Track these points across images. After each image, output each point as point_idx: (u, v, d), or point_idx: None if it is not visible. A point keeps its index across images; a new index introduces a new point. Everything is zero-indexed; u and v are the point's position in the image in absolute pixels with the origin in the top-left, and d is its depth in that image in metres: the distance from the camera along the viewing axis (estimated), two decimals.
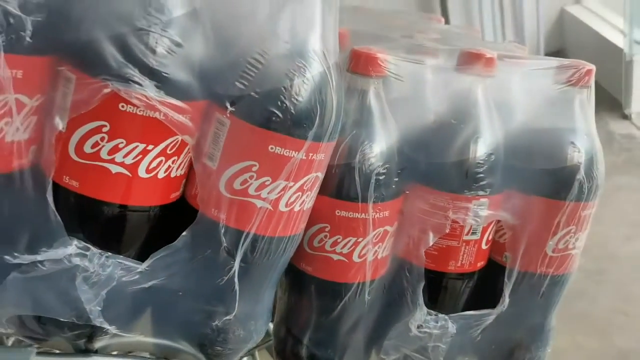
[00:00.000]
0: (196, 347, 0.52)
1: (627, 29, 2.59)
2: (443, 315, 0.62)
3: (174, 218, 0.50)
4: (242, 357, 0.62)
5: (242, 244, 0.49)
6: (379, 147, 0.56)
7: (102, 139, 0.44)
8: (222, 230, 0.48)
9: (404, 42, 0.67)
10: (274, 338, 0.65)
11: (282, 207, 0.49)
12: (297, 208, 0.50)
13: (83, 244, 0.46)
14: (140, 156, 0.45)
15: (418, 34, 0.74)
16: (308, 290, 0.60)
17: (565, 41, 2.98)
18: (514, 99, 0.64)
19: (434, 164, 0.59)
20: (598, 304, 1.63)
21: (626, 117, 2.55)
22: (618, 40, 2.63)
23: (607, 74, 2.48)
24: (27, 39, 0.39)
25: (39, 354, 0.50)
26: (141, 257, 0.48)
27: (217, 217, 0.48)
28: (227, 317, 0.51)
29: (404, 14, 1.30)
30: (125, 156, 0.44)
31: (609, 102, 2.54)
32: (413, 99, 0.61)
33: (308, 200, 0.51)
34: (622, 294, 1.66)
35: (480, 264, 0.63)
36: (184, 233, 0.48)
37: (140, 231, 0.48)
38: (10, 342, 0.79)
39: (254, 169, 0.47)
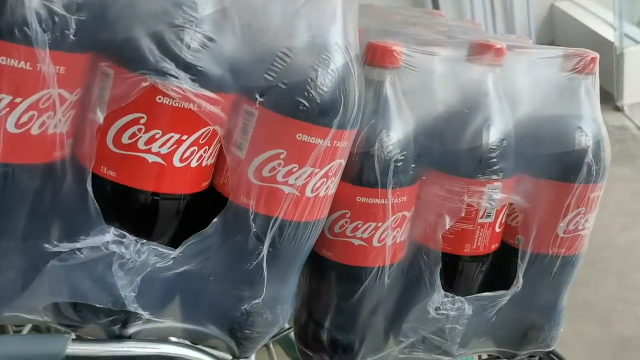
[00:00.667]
0: (225, 331, 0.54)
1: (616, 23, 2.64)
2: (459, 297, 0.64)
3: (204, 206, 0.52)
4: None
5: (271, 229, 0.51)
6: (396, 135, 0.58)
7: (140, 130, 0.46)
8: (252, 217, 0.50)
9: (414, 36, 0.69)
10: (295, 324, 0.67)
11: (308, 192, 0.51)
12: (322, 193, 0.52)
13: (120, 231, 0.48)
14: (175, 146, 0.47)
15: (425, 28, 0.77)
16: (329, 276, 0.62)
17: (555, 35, 3.02)
18: (521, 87, 0.66)
19: (448, 150, 0.61)
20: (598, 292, 1.66)
21: (618, 109, 2.59)
22: (608, 34, 2.67)
23: (599, 67, 2.51)
24: (71, 37, 0.41)
25: (74, 340, 0.52)
26: (173, 244, 0.50)
27: (247, 204, 0.50)
28: (256, 301, 0.53)
29: (407, 9, 1.33)
30: (161, 146, 0.46)
31: (601, 95, 2.57)
32: (425, 89, 0.64)
33: (332, 186, 0.53)
34: (621, 282, 1.70)
35: (494, 247, 0.65)
36: (214, 220, 0.50)
37: (172, 218, 0.50)
38: (25, 331, 0.81)
39: (282, 156, 0.49)
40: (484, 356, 0.99)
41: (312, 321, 0.65)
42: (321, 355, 0.65)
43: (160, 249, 0.49)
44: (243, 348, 0.55)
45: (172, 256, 0.49)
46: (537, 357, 0.95)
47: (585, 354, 0.99)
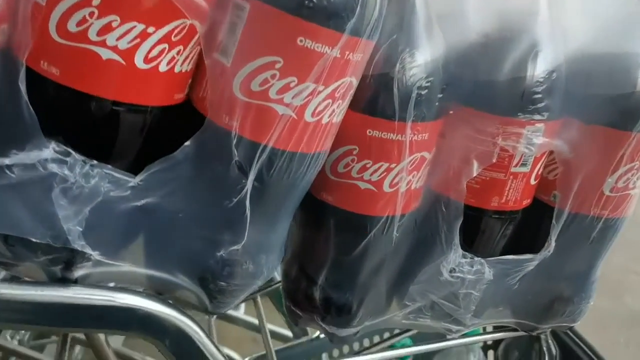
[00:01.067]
0: (196, 281, 0.44)
1: None
2: (479, 258, 0.54)
3: (176, 125, 0.41)
4: (244, 300, 0.55)
5: (258, 159, 0.40)
6: (422, 56, 0.46)
7: (91, 14, 0.35)
8: (235, 141, 0.39)
9: None
10: (284, 278, 0.58)
11: (308, 116, 0.40)
12: (325, 120, 0.41)
13: (63, 147, 0.37)
14: (138, 40, 0.36)
15: None
16: (327, 224, 0.52)
17: None
18: (574, 17, 0.55)
19: (483, 82, 0.50)
20: (609, 264, 1.57)
21: None
22: None
23: None
24: None
25: (5, 281, 0.42)
26: (135, 171, 0.40)
27: (229, 125, 0.39)
28: (235, 247, 0.43)
29: None
30: (119, 38, 0.35)
31: None
32: (460, 13, 0.52)
33: (338, 112, 0.42)
34: (634, 255, 1.61)
35: (526, 202, 0.55)
36: (187, 143, 0.40)
37: (134, 136, 0.40)
38: None
39: (278, 66, 0.38)
40: (489, 328, 0.91)
41: (303, 276, 0.55)
42: (311, 316, 0.55)
43: (115, 175, 0.39)
44: (216, 303, 0.45)
45: (130, 185, 0.39)
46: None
47: (594, 326, 0.91)
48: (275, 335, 1.24)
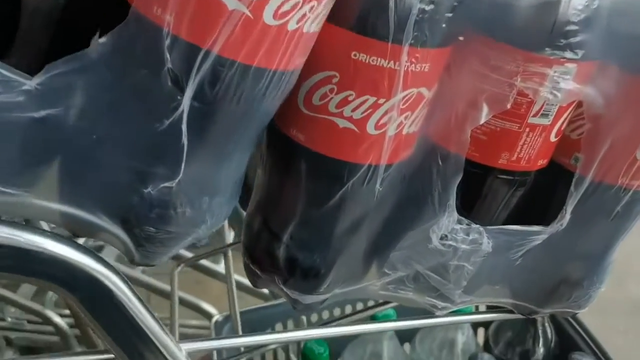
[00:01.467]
0: (118, 223, 0.35)
1: None
2: (477, 226, 0.45)
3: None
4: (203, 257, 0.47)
5: (198, 70, 0.30)
6: None
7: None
8: (167, 42, 0.29)
9: None
10: (245, 231, 0.49)
11: (267, 17, 0.30)
12: (292, 25, 0.31)
13: None
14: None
15: None
16: (297, 169, 0.42)
17: None
18: None
19: (505, 4, 0.39)
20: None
21: None
22: None
23: None
24: None
25: None
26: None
27: (161, 19, 0.29)
28: (167, 184, 0.33)
29: None
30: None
31: None
32: None
33: (313, 17, 0.32)
34: None
35: (541, 163, 0.45)
36: (102, 39, 0.30)
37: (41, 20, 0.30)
38: None
39: None
40: (482, 307, 0.83)
41: (266, 231, 0.46)
42: (272, 277, 0.46)
43: (4, 73, 0.29)
44: (144, 252, 0.36)
45: (24, 88, 0.29)
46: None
47: (593, 312, 0.82)
48: (255, 294, 1.16)
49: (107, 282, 0.36)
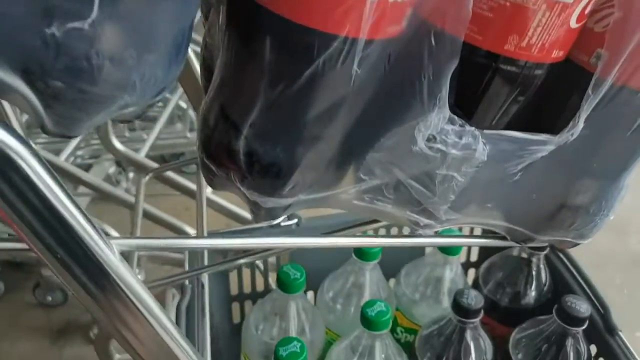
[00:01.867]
0: (19, 74, 0.28)
1: None
2: (473, 128, 0.38)
3: None
4: (172, 165, 0.38)
5: None
6: None
7: None
8: None
9: None
10: (201, 122, 0.41)
11: None
12: None
13: None
14: None
15: None
16: (259, 41, 0.35)
17: None
18: None
19: None
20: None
21: None
22: None
23: None
24: None
25: None
26: None
27: None
28: (76, 24, 0.26)
29: None
30: None
31: None
32: None
33: None
34: None
35: (556, 55, 0.37)
36: None
37: None
38: None
39: None
40: (478, 231, 0.77)
41: (224, 121, 0.39)
42: (227, 173, 0.40)
43: None
44: (55, 117, 0.29)
45: None
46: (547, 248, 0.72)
47: (590, 263, 0.77)
48: (235, 217, 1.11)
49: (8, 151, 0.29)
